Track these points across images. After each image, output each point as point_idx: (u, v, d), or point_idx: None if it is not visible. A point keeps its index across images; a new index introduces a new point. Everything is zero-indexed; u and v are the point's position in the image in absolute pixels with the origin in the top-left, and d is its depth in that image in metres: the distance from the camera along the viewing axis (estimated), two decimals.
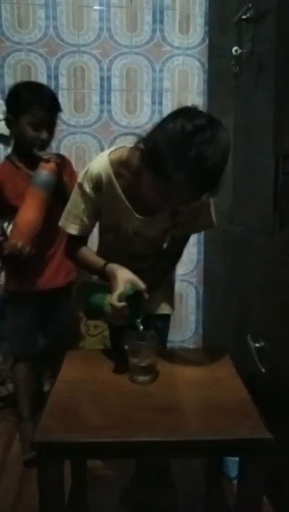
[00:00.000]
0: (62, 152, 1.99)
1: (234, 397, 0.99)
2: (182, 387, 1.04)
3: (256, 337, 1.30)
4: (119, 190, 1.05)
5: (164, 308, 1.27)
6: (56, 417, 0.91)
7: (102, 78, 1.97)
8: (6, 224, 1.54)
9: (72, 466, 1.25)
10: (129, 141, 1.01)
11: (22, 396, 1.64)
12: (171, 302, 1.30)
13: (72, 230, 1.12)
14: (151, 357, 1.04)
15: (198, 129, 0.82)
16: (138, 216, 1.08)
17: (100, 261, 1.11)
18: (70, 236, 1.14)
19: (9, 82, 1.92)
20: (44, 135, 1.46)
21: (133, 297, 1.02)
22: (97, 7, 1.92)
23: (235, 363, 1.14)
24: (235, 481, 1.35)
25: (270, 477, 1.06)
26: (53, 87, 1.94)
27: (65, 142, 2.00)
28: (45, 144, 1.50)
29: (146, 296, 1.05)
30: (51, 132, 1.50)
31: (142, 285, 1.04)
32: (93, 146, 1.99)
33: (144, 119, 2.01)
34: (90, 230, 1.16)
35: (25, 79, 1.93)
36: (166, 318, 1.29)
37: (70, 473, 1.23)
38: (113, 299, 1.01)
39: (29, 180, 1.46)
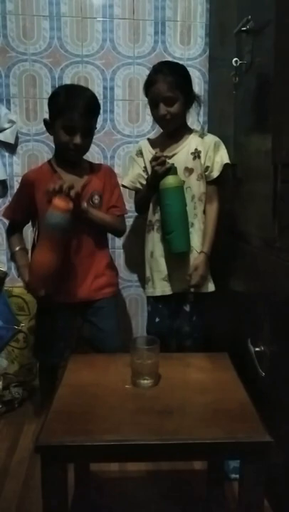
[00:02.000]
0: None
1: (235, 401, 1.00)
2: (184, 390, 1.05)
3: (256, 341, 1.31)
4: (151, 149, 1.64)
5: (208, 287, 1.62)
6: (60, 420, 0.93)
7: (105, 88, 2.01)
8: (35, 232, 1.55)
9: (76, 469, 1.26)
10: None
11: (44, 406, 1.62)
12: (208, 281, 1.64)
13: (125, 182, 1.68)
14: (154, 361, 1.05)
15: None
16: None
17: None
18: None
19: (14, 91, 1.96)
20: (77, 140, 1.41)
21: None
22: (100, 19, 1.96)
23: (236, 367, 1.15)
24: (233, 476, 1.36)
25: (271, 479, 1.07)
26: None
27: None
28: (79, 149, 1.46)
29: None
30: (87, 137, 1.46)
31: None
32: (97, 154, 2.02)
33: (147, 128, 2.04)
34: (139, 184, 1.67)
35: (30, 89, 1.97)
36: (202, 295, 1.62)
37: (74, 476, 1.24)
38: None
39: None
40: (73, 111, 1.38)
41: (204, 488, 1.31)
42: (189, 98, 1.57)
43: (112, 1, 1.95)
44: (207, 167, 1.60)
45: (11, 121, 1.95)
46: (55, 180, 1.42)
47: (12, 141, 1.97)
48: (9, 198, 2.02)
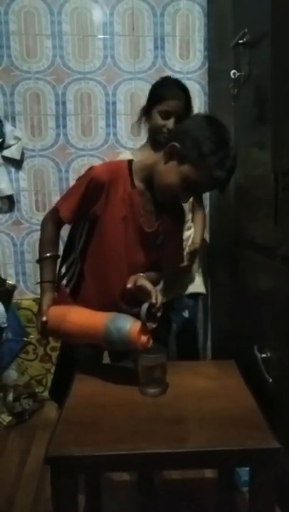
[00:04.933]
0: (71, 174, 2.07)
1: (243, 407, 1.00)
2: (191, 398, 1.05)
3: (263, 348, 1.32)
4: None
5: (193, 287, 1.66)
6: (69, 431, 0.93)
7: (107, 103, 2.05)
8: (80, 238, 1.21)
9: (86, 479, 1.26)
10: None
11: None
12: (200, 281, 1.72)
13: None
14: (161, 369, 1.06)
15: (227, 139, 1.07)
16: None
17: None
18: None
19: (19, 109, 2.01)
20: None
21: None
22: (101, 36, 2.02)
23: (243, 374, 1.15)
24: (244, 489, 1.35)
25: (282, 486, 1.06)
26: (60, 113, 2.03)
27: (74, 165, 2.07)
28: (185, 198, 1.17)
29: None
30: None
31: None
32: None
33: (139, 145, 2.07)
34: None
35: (35, 106, 2.02)
36: (197, 296, 1.70)
37: (84, 487, 1.24)
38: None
39: (136, 207, 1.13)
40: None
41: (215, 496, 1.30)
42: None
43: (112, 18, 2.00)
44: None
45: (17, 138, 1.99)
46: (135, 196, 1.13)
47: (18, 157, 2.01)
48: (16, 213, 2.05)
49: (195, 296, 1.71)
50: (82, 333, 1.09)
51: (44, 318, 1.13)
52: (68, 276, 1.26)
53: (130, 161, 1.17)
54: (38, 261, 1.22)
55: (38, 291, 1.22)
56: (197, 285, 1.72)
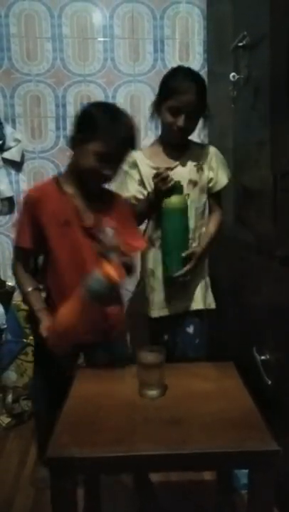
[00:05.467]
0: None
1: (241, 409, 1.00)
2: (190, 400, 1.06)
3: (261, 349, 1.32)
4: (149, 161, 1.52)
5: (198, 304, 1.54)
6: (68, 432, 0.93)
7: None
8: (40, 261, 1.32)
9: (86, 481, 1.26)
10: None
11: (40, 435, 1.50)
12: (206, 297, 1.57)
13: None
14: (160, 371, 1.06)
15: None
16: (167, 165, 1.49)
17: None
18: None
19: (19, 111, 2.02)
20: (108, 170, 1.22)
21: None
22: (101, 39, 2.02)
23: (242, 376, 1.15)
24: (243, 492, 1.35)
25: (280, 488, 1.06)
26: (60, 115, 2.04)
27: None
28: (107, 180, 1.27)
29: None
30: (118, 168, 1.26)
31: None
32: None
33: (148, 143, 2.07)
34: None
35: (35, 108, 2.03)
36: (202, 313, 1.55)
37: (84, 488, 1.24)
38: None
39: (72, 210, 1.22)
40: (115, 138, 1.19)
41: (214, 498, 1.30)
42: (203, 114, 1.50)
43: (112, 21, 2.01)
44: (211, 179, 1.54)
45: (17, 140, 2.00)
46: (65, 203, 1.23)
47: (18, 159, 2.02)
48: (16, 215, 2.06)
49: (201, 311, 1.54)
50: (76, 314, 1.13)
51: (44, 334, 1.23)
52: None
53: (56, 176, 1.35)
54: (23, 299, 1.35)
55: None
56: (200, 301, 1.54)
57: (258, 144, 1.40)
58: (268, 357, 1.29)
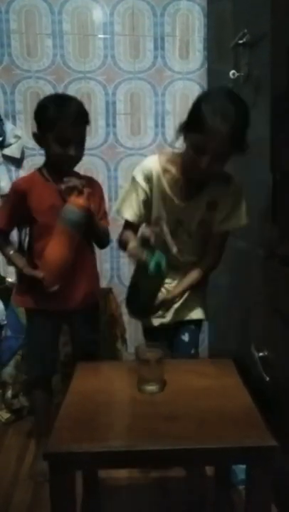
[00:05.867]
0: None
1: (240, 406, 1.01)
2: (189, 396, 1.06)
3: (260, 346, 1.32)
4: (165, 183, 1.28)
5: (196, 314, 1.40)
6: (67, 428, 0.94)
7: (107, 103, 2.06)
8: (23, 235, 1.49)
9: (85, 477, 1.26)
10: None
11: (39, 424, 1.57)
12: (203, 308, 1.42)
13: (127, 214, 1.31)
14: (159, 367, 1.07)
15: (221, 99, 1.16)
16: (179, 202, 1.28)
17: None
18: (125, 224, 1.35)
19: (20, 108, 2.02)
20: (72, 151, 1.36)
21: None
22: (101, 36, 2.02)
23: (240, 372, 1.16)
24: (240, 487, 1.36)
25: (279, 485, 1.07)
26: None
27: None
28: (73, 161, 1.41)
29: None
30: (80, 147, 1.39)
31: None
32: (101, 168, 2.06)
33: (148, 140, 2.08)
34: (141, 219, 1.32)
35: (35, 105, 2.01)
36: (199, 323, 1.44)
37: (82, 484, 1.25)
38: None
39: (57, 195, 1.38)
40: (66, 122, 1.33)
41: (212, 493, 1.31)
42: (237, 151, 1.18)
43: (113, 18, 2.00)
44: (222, 220, 1.30)
45: (17, 137, 2.00)
46: (50, 189, 1.41)
47: (18, 156, 2.01)
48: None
49: (197, 321, 1.42)
50: (61, 248, 1.34)
51: (41, 274, 1.36)
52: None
53: (39, 167, 1.48)
54: (8, 261, 1.52)
55: None
56: (197, 311, 1.41)
57: (257, 142, 1.40)
58: (266, 353, 1.29)
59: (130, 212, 1.30)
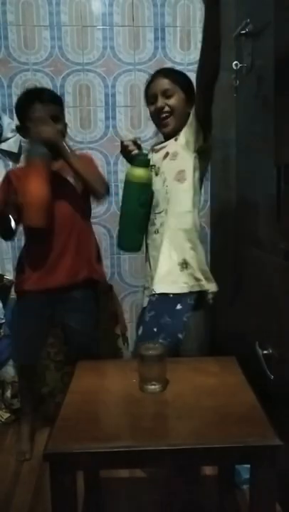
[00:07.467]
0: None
1: (244, 404, 0.99)
2: (192, 395, 1.05)
3: (264, 344, 1.31)
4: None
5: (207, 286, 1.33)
6: (68, 427, 0.93)
7: (106, 95, 2.03)
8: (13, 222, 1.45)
9: (85, 476, 1.25)
10: None
11: (24, 408, 1.70)
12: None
13: None
14: (161, 366, 1.05)
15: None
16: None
17: None
18: None
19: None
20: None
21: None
22: (100, 27, 1.98)
23: (244, 370, 1.14)
24: (244, 487, 1.35)
25: (282, 484, 1.05)
26: None
27: None
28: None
29: None
30: (59, 127, 1.47)
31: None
32: (100, 161, 2.03)
33: (149, 133, 2.04)
34: None
35: None
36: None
37: (83, 484, 1.24)
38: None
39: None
40: (34, 103, 1.44)
41: (215, 493, 1.30)
42: (190, 98, 1.39)
43: (112, 8, 1.97)
44: (187, 141, 1.36)
45: (14, 131, 1.96)
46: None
47: (15, 150, 1.99)
48: None
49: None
50: (37, 183, 1.38)
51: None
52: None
53: None
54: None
55: None
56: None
57: (260, 135, 1.37)
58: (270, 351, 1.27)
59: None
